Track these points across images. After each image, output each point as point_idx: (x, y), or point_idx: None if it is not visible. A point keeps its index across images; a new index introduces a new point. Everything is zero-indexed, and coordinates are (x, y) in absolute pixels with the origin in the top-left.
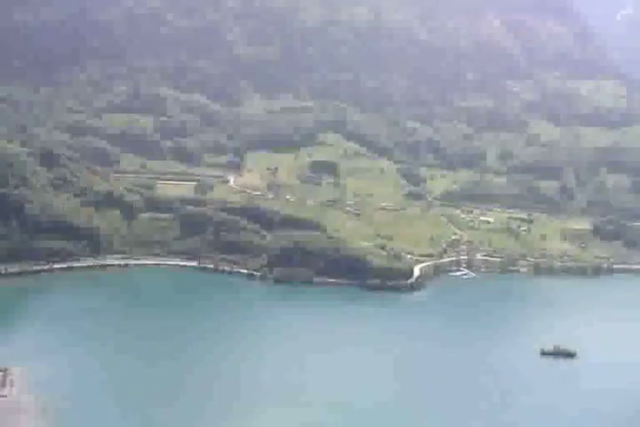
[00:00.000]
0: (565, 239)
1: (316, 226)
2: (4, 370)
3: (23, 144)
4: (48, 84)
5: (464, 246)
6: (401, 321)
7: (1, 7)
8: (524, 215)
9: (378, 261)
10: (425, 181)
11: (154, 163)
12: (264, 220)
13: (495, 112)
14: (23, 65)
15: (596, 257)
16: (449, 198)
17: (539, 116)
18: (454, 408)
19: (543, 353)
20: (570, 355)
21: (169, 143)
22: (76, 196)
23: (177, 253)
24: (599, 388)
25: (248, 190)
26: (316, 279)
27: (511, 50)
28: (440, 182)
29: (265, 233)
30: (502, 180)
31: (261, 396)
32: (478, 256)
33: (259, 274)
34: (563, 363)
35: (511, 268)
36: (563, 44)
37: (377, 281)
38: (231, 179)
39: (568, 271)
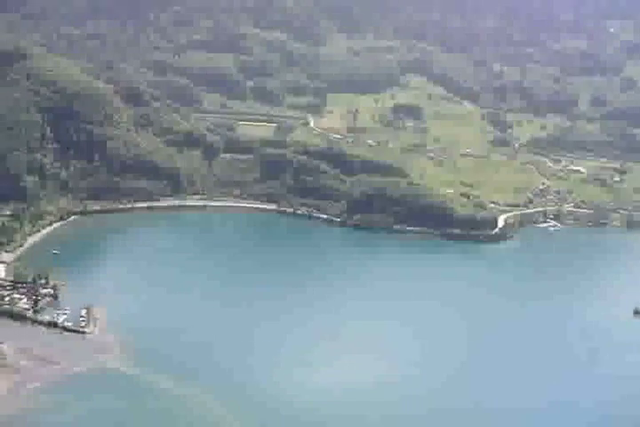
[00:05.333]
0: None
1: (397, 172)
2: (88, 308)
3: (108, 81)
4: (134, 21)
5: (552, 197)
6: (483, 273)
7: None
8: (616, 165)
9: (460, 209)
10: (511, 127)
11: (235, 102)
12: (344, 164)
13: (589, 54)
14: (110, 2)
15: None
16: (536, 146)
17: (636, 58)
18: (539, 366)
19: (637, 312)
20: None
21: (250, 83)
22: (157, 135)
23: (256, 196)
24: None
25: (328, 133)
26: (396, 227)
27: None
28: (527, 129)
29: (345, 178)
30: (594, 127)
31: (333, 344)
32: (567, 207)
33: (338, 219)
34: None
35: (602, 220)
36: None
37: (459, 230)
38: (311, 121)
39: None
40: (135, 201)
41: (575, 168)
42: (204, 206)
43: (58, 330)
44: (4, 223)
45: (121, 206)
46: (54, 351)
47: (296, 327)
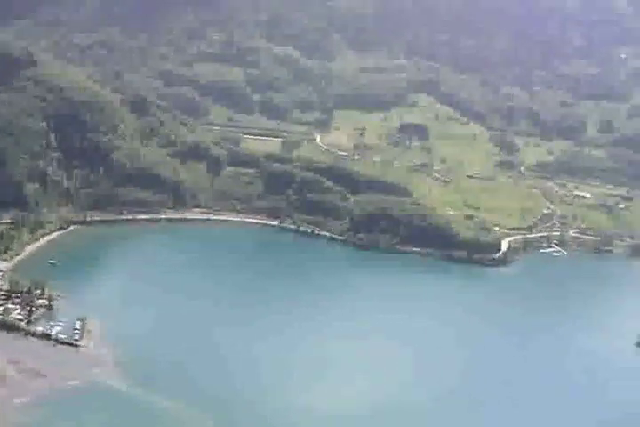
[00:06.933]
0: None
1: (402, 191)
2: (83, 320)
3: (116, 90)
4: (145, 31)
5: (556, 222)
6: (483, 299)
7: None
8: (622, 192)
9: (464, 231)
10: (518, 150)
11: (242, 116)
12: (349, 182)
13: (599, 80)
14: (121, 11)
15: None
16: (543, 170)
17: None
18: (541, 401)
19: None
20: None
21: (258, 97)
22: (162, 146)
23: (259, 211)
24: None
25: (334, 150)
26: (398, 247)
27: (622, 13)
28: (534, 152)
29: (349, 196)
30: (601, 152)
31: (325, 366)
32: (571, 233)
33: (341, 238)
34: None
35: (606, 248)
36: None
37: (462, 253)
38: (318, 137)
39: None
40: (137, 212)
41: (581, 194)
42: (206, 220)
43: (51, 342)
44: (2, 231)
45: (122, 217)
46: (46, 364)
47: (290, 347)
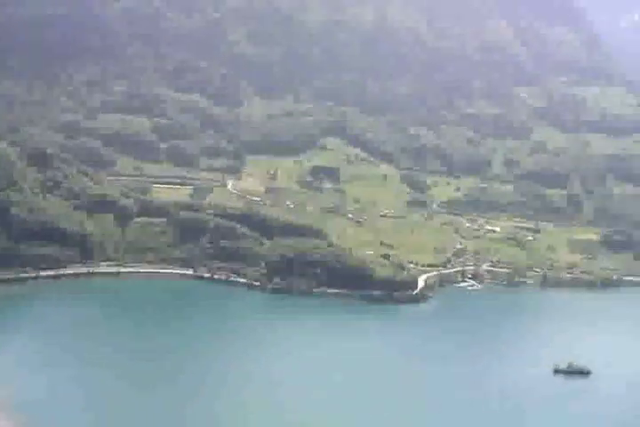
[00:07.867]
0: (573, 250)
1: (316, 233)
2: None
3: (13, 144)
4: (43, 81)
5: (469, 256)
6: (404, 336)
7: None
8: (530, 224)
9: (381, 271)
10: (429, 189)
11: (149, 165)
12: (263, 226)
13: (501, 118)
14: (18, 62)
15: (605, 269)
16: (453, 206)
17: (545, 122)
18: None
19: (557, 371)
20: (584, 373)
21: (166, 145)
22: (67, 199)
23: (172, 261)
24: (618, 409)
25: (247, 195)
26: (316, 290)
27: (518, 56)
28: (444, 190)
29: (264, 240)
30: (508, 187)
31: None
32: (484, 267)
33: (257, 284)
34: (578, 381)
35: (518, 279)
36: (570, 50)
37: (379, 292)
38: (229, 183)
39: (576, 284)
40: (41, 269)
41: (491, 228)
42: (117, 273)
43: None
44: None
45: (23, 275)
46: None
47: (212, 400)
